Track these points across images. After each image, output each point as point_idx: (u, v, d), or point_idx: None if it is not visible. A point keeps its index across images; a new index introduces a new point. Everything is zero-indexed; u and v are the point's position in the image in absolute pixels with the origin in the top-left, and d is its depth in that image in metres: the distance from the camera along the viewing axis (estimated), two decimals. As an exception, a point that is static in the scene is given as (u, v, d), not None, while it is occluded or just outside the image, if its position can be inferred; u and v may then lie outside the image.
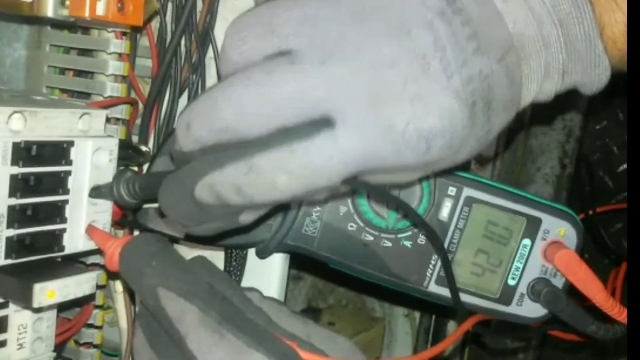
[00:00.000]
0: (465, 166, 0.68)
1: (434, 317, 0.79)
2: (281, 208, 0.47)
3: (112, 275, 0.52)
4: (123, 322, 0.54)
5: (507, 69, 0.36)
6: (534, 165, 0.89)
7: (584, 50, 0.38)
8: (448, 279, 0.48)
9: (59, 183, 0.42)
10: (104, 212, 0.45)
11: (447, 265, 0.47)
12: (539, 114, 0.85)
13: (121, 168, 0.49)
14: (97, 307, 0.53)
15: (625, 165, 0.98)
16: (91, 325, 0.53)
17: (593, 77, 0.40)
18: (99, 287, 0.50)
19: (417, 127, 0.33)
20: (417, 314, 0.83)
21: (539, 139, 0.88)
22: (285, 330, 0.38)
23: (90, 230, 0.44)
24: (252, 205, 0.35)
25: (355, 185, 0.37)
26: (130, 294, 0.53)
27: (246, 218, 0.38)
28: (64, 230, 0.43)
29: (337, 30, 0.33)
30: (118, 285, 0.53)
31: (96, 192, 0.44)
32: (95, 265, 0.51)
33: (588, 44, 0.38)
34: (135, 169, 0.51)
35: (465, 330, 0.50)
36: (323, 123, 0.33)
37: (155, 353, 0.38)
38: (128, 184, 0.43)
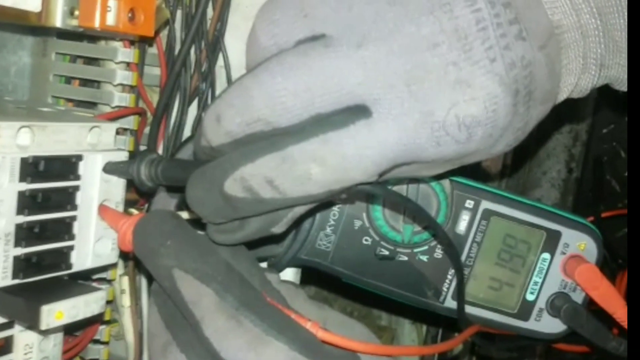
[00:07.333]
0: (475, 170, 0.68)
1: (440, 330, 0.78)
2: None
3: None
4: (129, 336, 0.53)
5: (548, 57, 0.34)
6: (540, 169, 0.87)
7: (622, 42, 0.37)
8: (459, 288, 0.47)
9: (67, 199, 0.41)
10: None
11: (460, 274, 0.46)
12: (546, 117, 0.84)
13: (144, 149, 0.46)
14: (103, 322, 0.52)
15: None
16: (97, 341, 0.52)
17: None
18: (106, 302, 0.49)
19: (459, 115, 0.32)
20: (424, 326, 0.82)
21: (545, 143, 0.86)
22: (301, 316, 0.36)
23: (102, 209, 0.42)
24: (285, 200, 0.34)
25: (375, 191, 0.35)
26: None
27: (278, 229, 0.36)
28: (71, 247, 0.42)
29: (373, 12, 0.32)
30: (125, 299, 0.52)
31: (112, 167, 0.42)
32: (102, 280, 0.50)
33: (627, 35, 0.36)
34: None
35: (464, 339, 0.48)
36: (359, 111, 0.32)
37: (171, 335, 0.36)
38: (151, 165, 0.41)
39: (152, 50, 0.51)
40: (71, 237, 0.41)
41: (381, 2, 0.32)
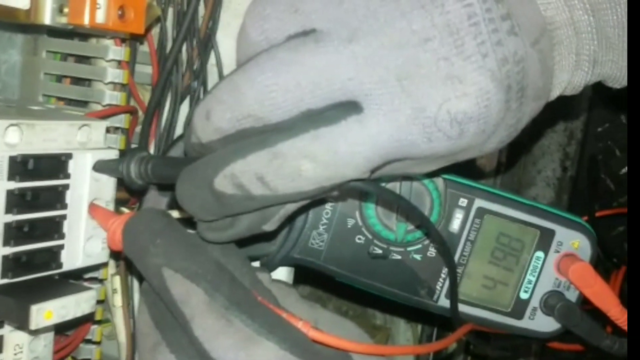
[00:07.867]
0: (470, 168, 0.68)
1: (435, 329, 0.78)
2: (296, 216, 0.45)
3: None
4: (122, 336, 0.53)
5: (541, 53, 0.34)
6: (535, 167, 0.87)
7: (615, 38, 0.36)
8: (452, 287, 0.46)
9: (56, 197, 0.41)
10: (103, 226, 0.43)
11: (453, 273, 0.46)
12: (540, 115, 0.84)
13: (134, 146, 0.46)
14: (95, 322, 0.51)
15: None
16: (89, 341, 0.51)
17: (624, 68, 0.37)
18: (97, 302, 0.49)
19: (451, 110, 0.31)
20: (419, 325, 0.82)
21: (540, 141, 0.86)
22: (293, 315, 0.36)
23: (92, 208, 0.42)
24: (276, 197, 0.33)
25: (368, 188, 0.35)
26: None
27: (269, 226, 0.36)
28: (61, 246, 0.41)
29: (364, 6, 0.31)
30: (117, 299, 0.52)
31: (101, 165, 0.42)
32: (93, 280, 0.49)
33: (620, 31, 0.36)
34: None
35: (458, 338, 0.48)
36: (350, 107, 0.31)
37: (161, 335, 0.36)
38: (141, 163, 0.40)
39: (144, 48, 0.51)
40: (61, 236, 0.41)
41: None
